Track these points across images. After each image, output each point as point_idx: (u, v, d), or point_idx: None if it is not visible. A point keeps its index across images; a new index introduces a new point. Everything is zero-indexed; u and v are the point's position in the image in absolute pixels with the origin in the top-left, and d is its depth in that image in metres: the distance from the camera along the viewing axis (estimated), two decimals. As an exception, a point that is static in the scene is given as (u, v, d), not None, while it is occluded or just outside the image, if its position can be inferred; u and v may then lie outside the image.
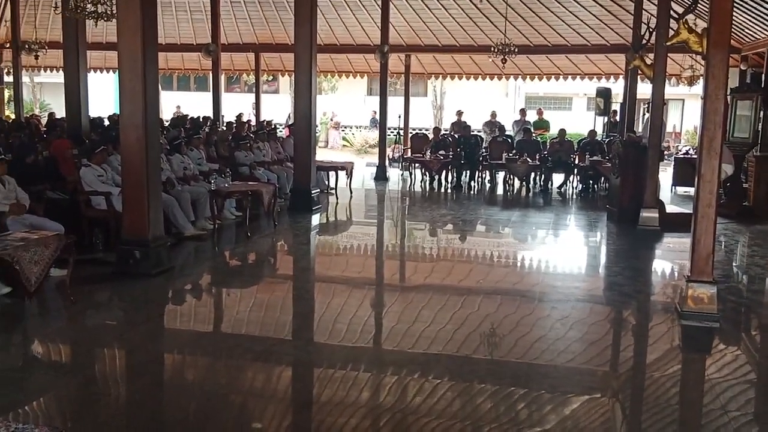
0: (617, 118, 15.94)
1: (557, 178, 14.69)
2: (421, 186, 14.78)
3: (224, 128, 14.89)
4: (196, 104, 21.93)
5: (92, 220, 7.89)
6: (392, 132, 18.01)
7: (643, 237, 9.68)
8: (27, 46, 15.91)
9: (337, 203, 12.55)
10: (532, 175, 14.43)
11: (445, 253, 9.14)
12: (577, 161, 14.36)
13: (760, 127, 11.43)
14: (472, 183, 14.90)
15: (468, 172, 15.06)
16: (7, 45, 17.64)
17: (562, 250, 9.34)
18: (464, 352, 5.26)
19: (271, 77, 25.48)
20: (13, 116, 17.40)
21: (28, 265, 5.45)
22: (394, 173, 16.14)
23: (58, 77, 19.14)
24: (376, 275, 8.14)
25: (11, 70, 17.76)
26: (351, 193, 13.09)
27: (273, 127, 15.44)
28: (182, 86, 29.02)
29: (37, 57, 15.93)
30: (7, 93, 19.53)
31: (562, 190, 14.36)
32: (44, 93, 28.43)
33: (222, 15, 16.49)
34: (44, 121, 16.20)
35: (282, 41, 17.43)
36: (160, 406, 4.49)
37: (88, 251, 7.53)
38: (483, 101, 22.96)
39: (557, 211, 12.24)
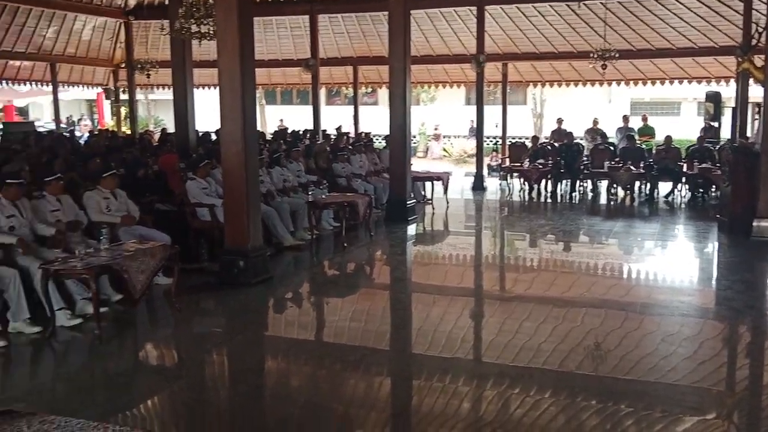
0: (712, 123, 15.18)
1: (663, 187, 14.05)
2: (519, 196, 14.52)
3: (323, 140, 15.16)
4: (298, 117, 22.45)
5: (198, 231, 8.18)
6: (490, 141, 17.80)
7: (757, 248, 9.07)
8: (140, 66, 16.82)
9: (433, 213, 12.50)
10: (637, 183, 13.86)
11: (546, 264, 8.91)
12: (685, 169, 13.69)
13: None
14: (573, 192, 14.49)
15: (569, 181, 14.66)
16: (123, 65, 18.70)
17: (670, 262, 8.89)
18: (568, 366, 5.09)
19: (371, 89, 25.77)
20: (129, 132, 18.39)
21: (135, 274, 5.70)
22: (492, 183, 15.93)
23: (170, 94, 20.11)
24: (475, 286, 8.03)
25: (126, 89, 18.80)
26: (448, 203, 13.00)
27: (370, 138, 15.58)
28: (285, 100, 29.83)
29: (148, 75, 16.81)
30: (123, 110, 20.69)
31: (669, 199, 13.72)
32: (158, 109, 29.92)
33: (320, 30, 16.83)
34: (157, 136, 17.00)
35: (379, 54, 17.56)
36: (261, 412, 4.57)
37: (195, 261, 7.80)
38: (585, 108, 22.34)
39: (664, 221, 11.69)
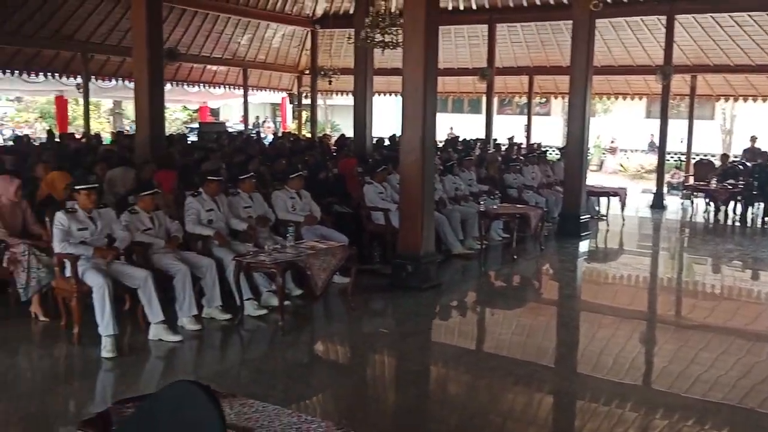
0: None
1: None
2: (703, 217, 13.62)
3: (494, 150, 15.12)
4: (468, 126, 22.53)
5: (372, 234, 8.49)
6: (672, 157, 16.87)
7: None
8: (322, 72, 17.69)
9: (607, 230, 12.05)
10: (842, 211, 12.56)
11: (730, 292, 8.32)
12: None
13: None
14: (766, 217, 13.36)
15: (761, 204, 13.54)
16: (307, 71, 19.75)
17: None
18: (749, 403, 4.76)
19: (544, 99, 25.32)
20: (308, 135, 19.38)
21: (317, 272, 6.04)
22: (672, 201, 15.11)
23: (345, 100, 20.93)
24: (648, 309, 7.69)
25: (308, 94, 19.84)
26: (623, 220, 12.49)
27: (543, 149, 15.33)
28: (456, 108, 29.98)
29: (330, 82, 17.62)
30: (305, 114, 21.85)
31: None
32: (334, 114, 31.26)
33: (498, 39, 16.81)
34: (333, 140, 17.75)
35: (556, 63, 17.23)
36: (424, 416, 4.67)
37: (367, 262, 8.08)
38: (781, 126, 20.52)
39: None
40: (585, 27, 10.51)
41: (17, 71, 14.51)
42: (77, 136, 15.54)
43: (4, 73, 14.29)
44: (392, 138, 15.87)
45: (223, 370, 5.33)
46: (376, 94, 20.20)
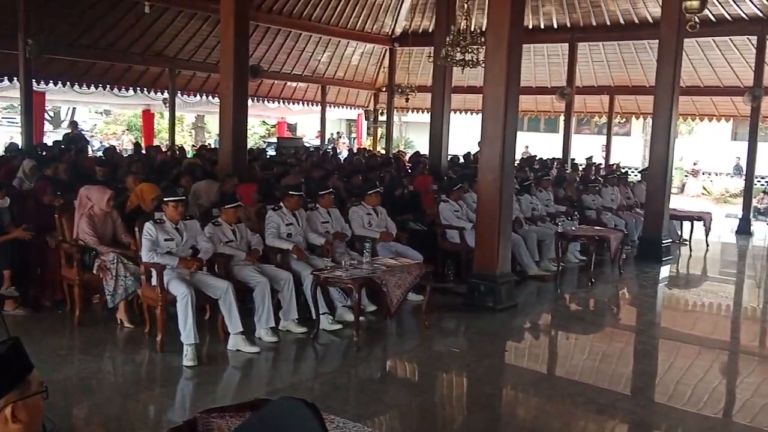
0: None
1: None
2: (793, 244, 13.05)
3: (571, 170, 14.86)
4: (544, 145, 22.23)
5: (446, 252, 8.47)
6: (759, 181, 16.22)
7: None
8: (400, 90, 17.81)
9: (690, 256, 11.64)
10: None
11: (821, 325, 7.92)
12: None
13: None
14: None
15: None
16: (383, 89, 19.92)
17: None
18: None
19: (624, 119, 24.77)
20: (383, 151, 19.51)
21: (393, 289, 6.05)
22: (759, 227, 14.48)
23: (420, 117, 20.98)
24: (731, 339, 7.36)
25: (385, 111, 20.00)
26: (707, 246, 12.05)
27: (624, 171, 14.98)
28: (532, 127, 29.65)
29: (407, 99, 17.72)
30: (380, 131, 22.02)
31: None
32: (409, 131, 31.41)
33: (578, 58, 16.58)
34: (407, 157, 17.79)
35: (639, 83, 16.87)
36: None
37: (440, 280, 8.06)
38: None
39: None
40: (672, 46, 10.25)
41: (108, 85, 15.21)
42: (163, 149, 16.10)
43: (96, 87, 14.99)
44: (467, 156, 15.81)
45: (297, 383, 5.38)
46: (452, 112, 20.20)
